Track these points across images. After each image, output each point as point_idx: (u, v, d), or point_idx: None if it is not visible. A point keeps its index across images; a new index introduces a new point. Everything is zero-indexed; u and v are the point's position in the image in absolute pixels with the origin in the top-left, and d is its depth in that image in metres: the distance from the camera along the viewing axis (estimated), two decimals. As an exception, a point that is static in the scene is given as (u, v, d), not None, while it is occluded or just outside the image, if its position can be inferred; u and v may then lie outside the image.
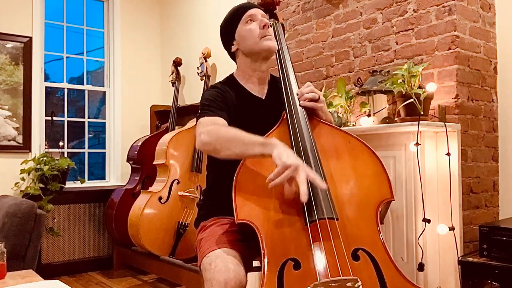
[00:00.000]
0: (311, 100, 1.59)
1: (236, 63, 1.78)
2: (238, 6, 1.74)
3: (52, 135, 4.26)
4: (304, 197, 1.28)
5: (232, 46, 1.73)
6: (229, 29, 1.72)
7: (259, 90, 1.74)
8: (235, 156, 1.43)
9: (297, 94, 1.62)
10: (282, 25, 1.83)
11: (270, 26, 1.70)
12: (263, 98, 1.73)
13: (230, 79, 1.77)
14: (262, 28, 1.66)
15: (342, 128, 2.03)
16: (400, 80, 2.24)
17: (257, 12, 1.70)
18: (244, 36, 1.68)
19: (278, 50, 1.72)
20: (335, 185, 1.42)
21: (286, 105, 1.59)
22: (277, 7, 1.84)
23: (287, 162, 1.29)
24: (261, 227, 1.34)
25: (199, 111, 1.61)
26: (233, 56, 1.78)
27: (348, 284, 1.20)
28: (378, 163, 1.47)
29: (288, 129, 1.54)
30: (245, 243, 1.54)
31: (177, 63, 4.34)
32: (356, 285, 1.20)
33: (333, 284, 1.19)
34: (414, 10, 2.57)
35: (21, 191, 3.82)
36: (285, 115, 1.57)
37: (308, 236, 1.30)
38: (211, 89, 1.71)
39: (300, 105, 1.58)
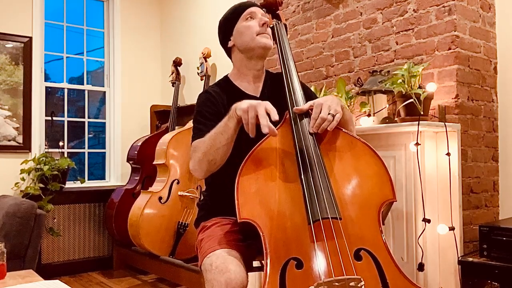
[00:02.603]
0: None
1: (232, 61, 1.79)
2: (238, 4, 1.75)
3: (52, 135, 4.26)
4: (265, 129, 1.34)
5: (229, 42, 1.74)
6: (228, 24, 1.74)
7: (253, 89, 1.74)
8: (228, 149, 1.49)
9: (310, 110, 1.51)
10: (285, 25, 1.82)
11: (269, 26, 1.72)
12: (258, 95, 1.73)
13: (224, 80, 1.78)
14: (261, 26, 1.68)
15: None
16: (400, 80, 2.24)
17: (257, 11, 1.72)
18: (241, 32, 1.69)
19: (281, 50, 1.71)
20: (337, 185, 1.42)
21: (289, 105, 1.59)
22: (279, 7, 1.84)
23: (244, 107, 1.39)
24: (263, 226, 1.34)
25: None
26: (229, 52, 1.79)
27: (351, 284, 1.20)
28: (380, 163, 1.46)
29: (290, 129, 1.54)
30: (246, 244, 1.54)
31: (177, 63, 4.34)
32: (359, 285, 1.20)
33: (336, 284, 1.19)
34: (414, 10, 2.57)
35: (21, 191, 3.82)
36: (287, 115, 1.57)
37: (311, 236, 1.30)
38: (202, 94, 1.73)
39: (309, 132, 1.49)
